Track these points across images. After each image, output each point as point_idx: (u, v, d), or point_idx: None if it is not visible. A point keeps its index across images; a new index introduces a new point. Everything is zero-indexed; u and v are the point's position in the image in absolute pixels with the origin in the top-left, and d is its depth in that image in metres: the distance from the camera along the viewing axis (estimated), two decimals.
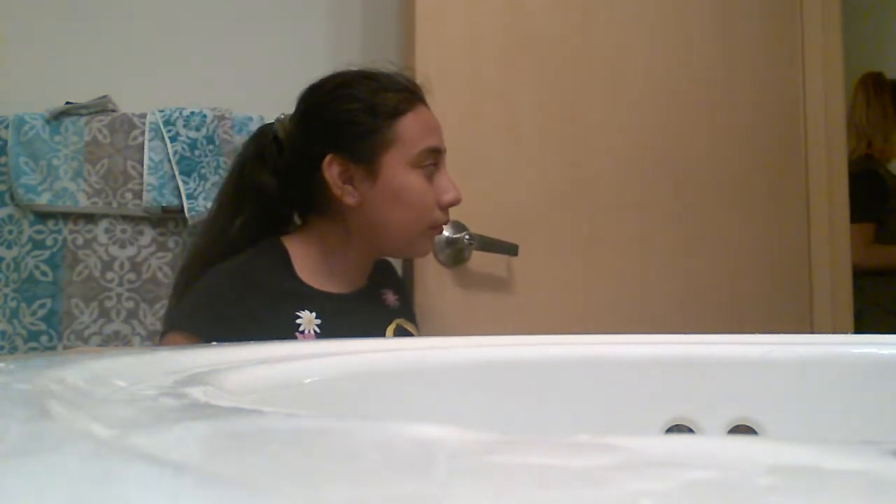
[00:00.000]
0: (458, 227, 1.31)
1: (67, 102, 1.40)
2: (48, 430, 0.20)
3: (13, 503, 0.14)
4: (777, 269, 1.65)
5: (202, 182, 1.36)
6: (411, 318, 1.21)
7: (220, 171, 1.37)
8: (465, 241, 1.30)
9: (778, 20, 1.71)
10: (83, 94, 1.42)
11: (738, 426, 0.50)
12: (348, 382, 0.46)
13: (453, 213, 1.17)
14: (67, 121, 1.38)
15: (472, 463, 0.17)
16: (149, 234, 1.37)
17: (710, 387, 0.51)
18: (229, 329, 1.01)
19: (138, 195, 1.36)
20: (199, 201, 1.34)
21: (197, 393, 0.28)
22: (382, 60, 1.14)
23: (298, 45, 1.51)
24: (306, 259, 1.10)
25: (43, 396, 0.24)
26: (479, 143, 1.35)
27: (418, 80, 1.15)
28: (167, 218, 1.38)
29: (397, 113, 1.08)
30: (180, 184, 1.35)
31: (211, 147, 1.37)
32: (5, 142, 1.37)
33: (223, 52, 1.52)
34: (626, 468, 0.16)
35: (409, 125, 1.08)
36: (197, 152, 1.36)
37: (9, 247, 1.36)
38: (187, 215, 1.34)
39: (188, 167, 1.36)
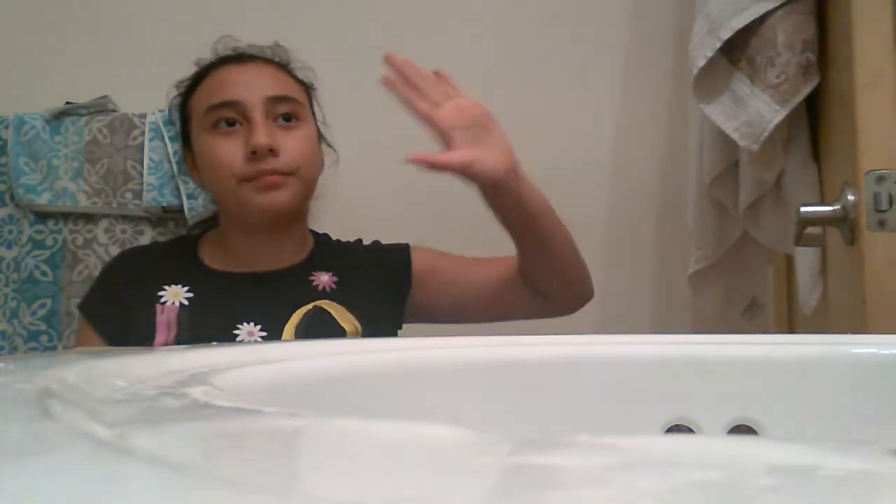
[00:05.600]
0: None
1: (67, 102, 1.40)
2: (48, 430, 0.20)
3: (13, 503, 0.14)
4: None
5: None
6: (357, 303, 1.07)
7: None
8: None
9: None
10: (83, 94, 1.42)
11: (738, 426, 0.50)
12: (348, 382, 0.46)
13: None
14: (67, 121, 1.38)
15: (472, 463, 0.17)
16: (149, 234, 1.37)
17: (710, 387, 0.51)
18: (101, 303, 1.10)
19: (138, 195, 1.36)
20: (199, 201, 1.34)
21: (197, 393, 0.28)
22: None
23: (299, 44, 1.51)
24: (213, 244, 1.13)
25: (43, 396, 0.24)
26: None
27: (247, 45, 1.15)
28: (167, 218, 1.37)
29: (193, 87, 1.12)
30: (180, 184, 1.34)
31: None
32: (5, 142, 1.37)
33: None
34: (626, 468, 0.16)
35: (198, 94, 1.10)
36: None
37: (9, 247, 1.36)
38: (187, 215, 1.34)
39: None
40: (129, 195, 1.36)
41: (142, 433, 0.21)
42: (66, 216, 1.36)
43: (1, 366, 0.33)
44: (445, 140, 0.94)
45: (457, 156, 0.93)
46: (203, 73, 1.11)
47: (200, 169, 1.10)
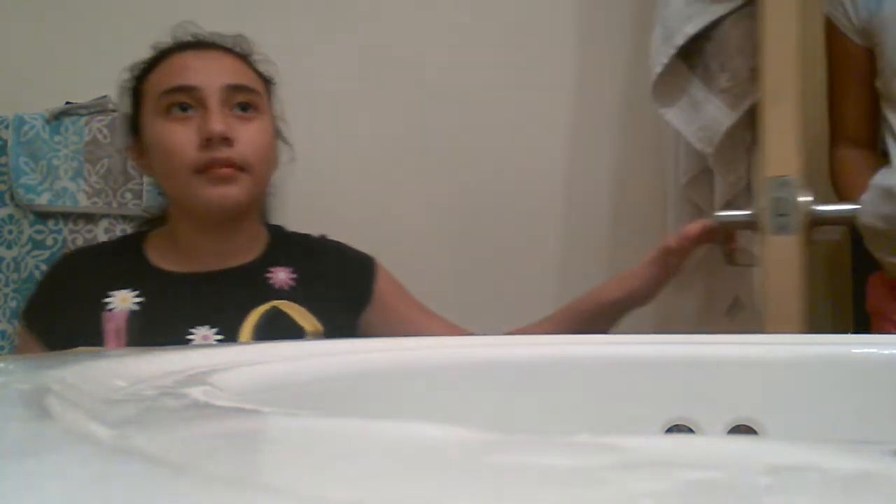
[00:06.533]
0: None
1: (67, 102, 1.40)
2: (48, 430, 0.20)
3: (13, 503, 0.14)
4: None
5: None
6: (316, 302, 1.04)
7: None
8: None
9: None
10: (83, 94, 1.42)
11: (738, 426, 0.50)
12: (348, 382, 0.46)
13: None
14: (67, 121, 1.38)
15: (472, 463, 0.17)
16: None
17: (710, 387, 0.51)
18: (43, 311, 1.05)
19: (138, 195, 1.36)
20: None
21: (197, 393, 0.28)
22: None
23: (298, 43, 1.51)
24: (161, 242, 1.08)
25: (43, 396, 0.24)
26: None
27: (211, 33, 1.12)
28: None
29: (148, 70, 1.07)
30: None
31: None
32: (5, 142, 1.37)
33: None
34: (626, 468, 0.16)
35: (153, 77, 1.05)
36: None
37: (9, 247, 1.36)
38: None
39: None
40: (129, 195, 1.36)
41: (142, 433, 0.21)
42: (66, 216, 1.37)
43: (1, 366, 0.33)
44: (674, 254, 1.07)
45: (675, 267, 1.08)
46: (160, 57, 1.07)
47: (150, 155, 1.04)
